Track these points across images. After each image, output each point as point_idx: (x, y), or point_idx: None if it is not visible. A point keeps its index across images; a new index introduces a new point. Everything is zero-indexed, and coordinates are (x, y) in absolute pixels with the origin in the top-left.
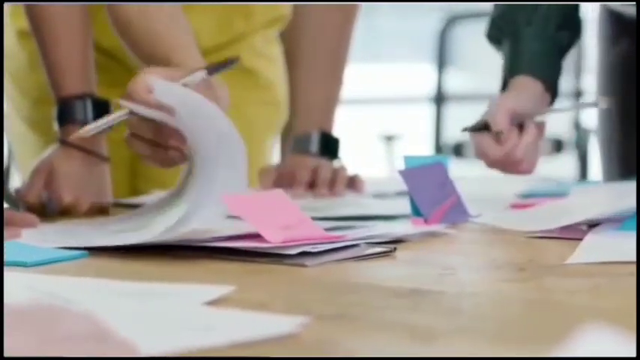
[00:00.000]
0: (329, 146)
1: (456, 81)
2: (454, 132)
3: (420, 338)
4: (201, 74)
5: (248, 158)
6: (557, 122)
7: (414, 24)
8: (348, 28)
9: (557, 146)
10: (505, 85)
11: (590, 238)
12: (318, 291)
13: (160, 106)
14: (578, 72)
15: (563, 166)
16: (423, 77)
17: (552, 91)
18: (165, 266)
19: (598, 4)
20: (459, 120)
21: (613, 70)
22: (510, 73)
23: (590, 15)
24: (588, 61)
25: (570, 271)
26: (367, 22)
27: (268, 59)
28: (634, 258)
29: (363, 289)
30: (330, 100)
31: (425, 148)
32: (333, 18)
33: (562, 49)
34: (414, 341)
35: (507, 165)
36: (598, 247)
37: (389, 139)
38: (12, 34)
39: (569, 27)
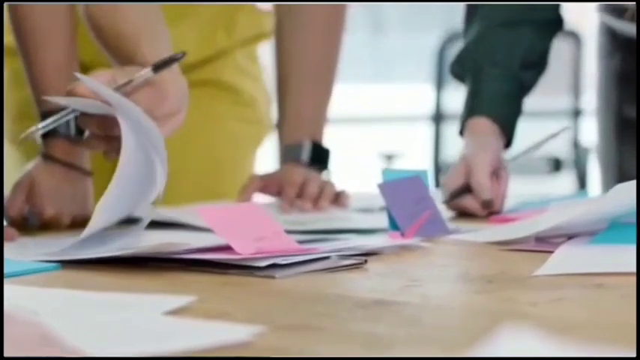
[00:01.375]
0: (320, 156)
1: (454, 100)
2: (453, 150)
3: (376, 346)
4: (146, 73)
5: (230, 172)
6: (556, 141)
7: (414, 43)
8: (336, 39)
9: (556, 165)
10: (463, 126)
11: (562, 251)
12: (282, 302)
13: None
14: (576, 91)
15: (562, 184)
16: (423, 96)
17: (508, 134)
18: (135, 278)
19: (597, 20)
20: (458, 138)
21: (609, 86)
22: (469, 113)
23: (588, 33)
24: (586, 79)
25: (538, 283)
26: (370, 42)
27: (250, 76)
28: (602, 269)
29: (328, 299)
30: (321, 109)
31: (424, 166)
32: (321, 28)
33: (524, 88)
34: (368, 349)
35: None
36: (568, 260)
37: (389, 157)
38: None
39: (535, 64)
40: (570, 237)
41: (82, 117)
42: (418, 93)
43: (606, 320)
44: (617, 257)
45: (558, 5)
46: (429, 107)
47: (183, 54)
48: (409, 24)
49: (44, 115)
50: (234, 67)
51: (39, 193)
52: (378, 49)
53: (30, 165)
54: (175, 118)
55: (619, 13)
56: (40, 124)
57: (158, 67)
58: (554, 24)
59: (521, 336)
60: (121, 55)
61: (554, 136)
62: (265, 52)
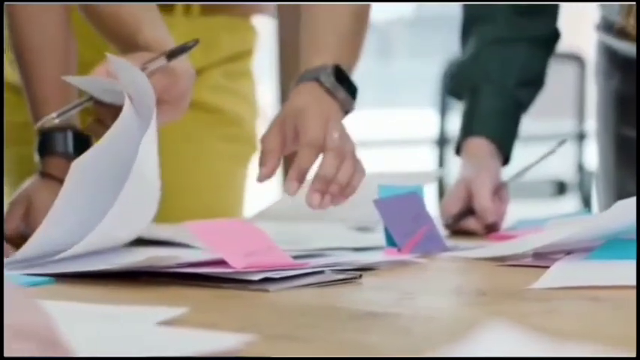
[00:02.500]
0: (343, 82)
1: (458, 124)
2: (457, 173)
3: (364, 355)
4: (160, 61)
5: (216, 192)
6: (561, 164)
7: (419, 69)
8: (366, 11)
9: (561, 188)
10: (459, 145)
11: (558, 265)
12: (273, 313)
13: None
14: (581, 114)
15: (567, 208)
16: (427, 121)
17: (505, 152)
18: (128, 291)
19: (596, 39)
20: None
21: (608, 107)
22: (465, 133)
23: (592, 56)
24: (591, 103)
25: (531, 295)
26: (376, 69)
27: (232, 93)
28: (599, 283)
29: (320, 311)
30: (351, 47)
31: (428, 189)
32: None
33: (521, 106)
34: (356, 358)
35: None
36: (565, 273)
37: None
38: None
39: (531, 82)
40: (568, 253)
41: (98, 106)
42: (423, 118)
43: (600, 332)
44: (614, 271)
45: (555, 20)
46: (433, 131)
47: (196, 41)
48: (414, 50)
49: (42, 134)
50: (211, 87)
51: (35, 211)
52: (384, 75)
53: (27, 183)
54: (184, 101)
55: (617, 32)
56: (56, 112)
57: (172, 55)
58: (550, 40)
59: (505, 336)
60: (123, 40)
61: (551, 152)
62: (263, 66)
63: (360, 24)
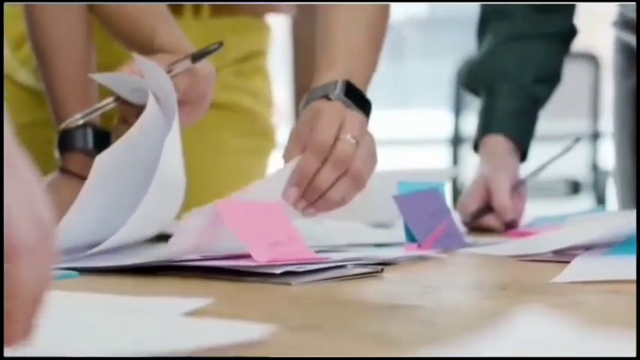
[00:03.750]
0: (355, 98)
1: (472, 123)
2: (471, 172)
3: (387, 345)
4: (186, 63)
5: (230, 186)
6: (575, 164)
7: (432, 69)
8: (385, 16)
9: (575, 187)
10: (477, 142)
11: (579, 260)
12: (296, 305)
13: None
14: (595, 114)
15: (581, 207)
16: (441, 121)
17: (523, 148)
18: (153, 284)
19: (613, 37)
20: (476, 160)
21: (625, 104)
22: (483, 130)
23: (606, 55)
24: (605, 102)
25: (553, 289)
26: (390, 70)
27: (244, 91)
28: (621, 277)
29: (342, 303)
30: (368, 64)
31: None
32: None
33: (539, 102)
34: (380, 348)
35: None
36: (585, 268)
37: None
38: None
39: (549, 79)
40: (587, 248)
41: (123, 106)
42: (436, 118)
43: (622, 324)
44: (634, 266)
45: (572, 16)
46: (447, 131)
47: (220, 44)
48: (427, 51)
49: (62, 134)
50: (222, 86)
51: (55, 207)
52: (396, 76)
53: (48, 178)
54: (205, 101)
55: (633, 29)
56: (80, 114)
57: (196, 57)
58: (567, 36)
59: (540, 320)
60: (138, 43)
61: (568, 149)
62: (278, 64)
63: (376, 35)
